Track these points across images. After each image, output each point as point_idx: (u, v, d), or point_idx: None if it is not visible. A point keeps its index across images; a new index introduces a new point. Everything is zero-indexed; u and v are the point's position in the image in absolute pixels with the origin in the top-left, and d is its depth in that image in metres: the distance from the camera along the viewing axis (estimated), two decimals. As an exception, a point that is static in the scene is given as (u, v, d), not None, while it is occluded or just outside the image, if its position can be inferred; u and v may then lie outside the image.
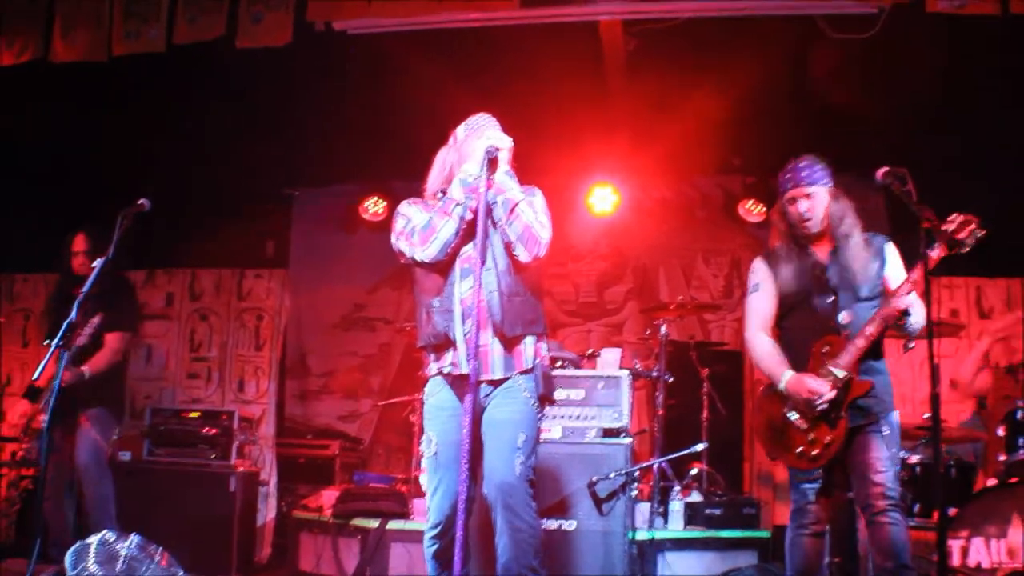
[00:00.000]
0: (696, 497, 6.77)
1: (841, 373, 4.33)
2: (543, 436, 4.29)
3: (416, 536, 5.89)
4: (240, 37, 6.45)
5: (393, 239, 4.22)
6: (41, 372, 5.03)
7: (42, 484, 5.53)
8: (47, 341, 5.86)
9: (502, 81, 7.21)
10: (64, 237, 6.46)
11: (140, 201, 4.88)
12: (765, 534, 6.49)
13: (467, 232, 4.06)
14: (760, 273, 4.68)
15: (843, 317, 4.44)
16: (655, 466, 6.71)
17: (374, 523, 6.41)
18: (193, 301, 9.27)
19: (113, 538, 4.75)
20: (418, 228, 4.10)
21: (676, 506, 6.58)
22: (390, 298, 9.47)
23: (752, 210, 8.57)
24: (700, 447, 6.84)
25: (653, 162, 8.43)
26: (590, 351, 6.82)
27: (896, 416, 4.48)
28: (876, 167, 4.11)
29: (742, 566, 6.22)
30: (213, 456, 7.31)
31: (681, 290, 9.04)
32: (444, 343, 4.09)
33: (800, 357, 4.50)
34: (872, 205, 7.14)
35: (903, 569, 4.24)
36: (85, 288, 4.74)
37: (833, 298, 4.47)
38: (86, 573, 4.56)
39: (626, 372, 6.23)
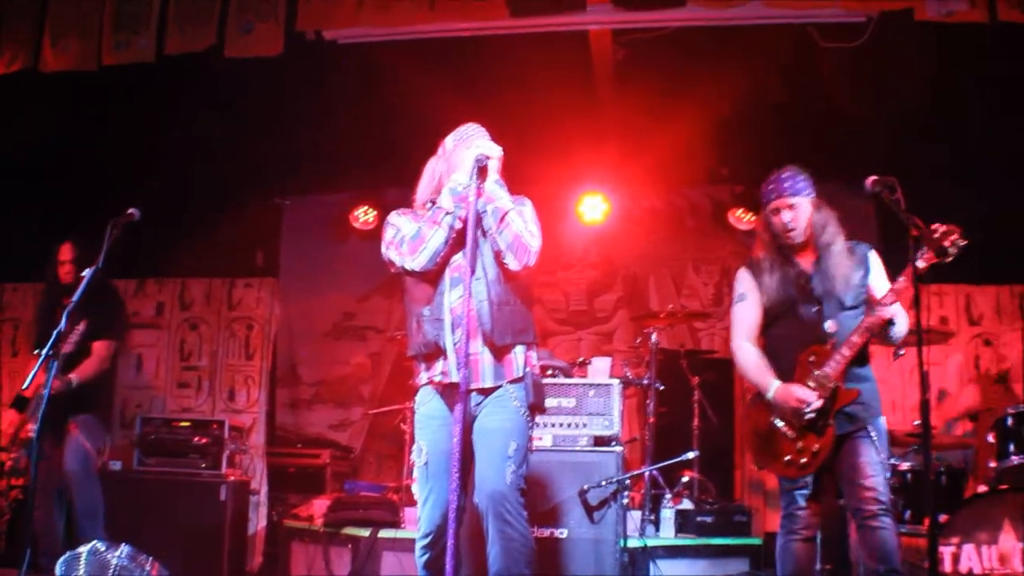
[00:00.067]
0: (687, 505, 6.78)
1: (828, 382, 4.36)
2: (534, 444, 4.28)
3: (407, 545, 5.87)
4: (229, 47, 6.45)
5: (383, 249, 4.22)
6: (30, 382, 5.01)
7: (32, 494, 5.51)
8: (36, 350, 5.85)
9: (492, 90, 7.23)
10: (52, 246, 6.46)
11: (130, 211, 4.88)
12: (756, 541, 6.51)
13: (457, 241, 4.06)
14: (745, 283, 4.70)
15: (828, 326, 4.46)
16: (646, 474, 6.73)
17: (365, 532, 6.40)
18: (183, 310, 9.24)
19: (103, 548, 4.74)
20: (407, 238, 4.10)
21: (667, 514, 6.59)
22: (381, 307, 9.46)
23: (742, 218, 8.58)
24: (691, 455, 6.86)
25: (642, 171, 8.45)
26: (581, 359, 6.83)
27: (883, 422, 4.51)
28: (865, 175, 4.12)
29: (733, 573, 6.23)
30: (204, 465, 7.29)
31: (671, 298, 9.06)
32: (434, 352, 4.09)
33: (786, 366, 4.52)
34: (862, 213, 7.19)
35: (893, 573, 4.26)
36: (75, 298, 4.74)
37: (818, 307, 4.49)
38: (76, 583, 4.56)
39: (617, 380, 6.22)
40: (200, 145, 7.73)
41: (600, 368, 6.52)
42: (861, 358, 4.48)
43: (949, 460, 6.34)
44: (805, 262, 4.59)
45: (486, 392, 4.10)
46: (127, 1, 6.66)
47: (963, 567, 5.26)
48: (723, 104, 7.01)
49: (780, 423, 4.47)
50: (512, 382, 4.10)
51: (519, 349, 4.14)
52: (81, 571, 4.59)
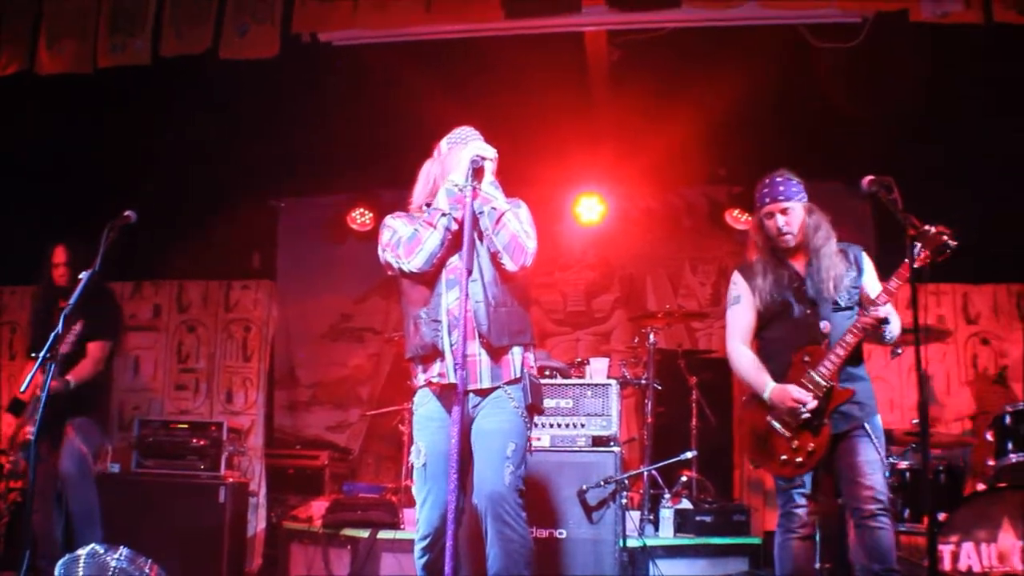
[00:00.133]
0: (686, 504, 6.78)
1: (823, 382, 4.40)
2: (532, 445, 4.29)
3: (407, 546, 5.88)
4: (225, 49, 6.45)
5: (380, 252, 4.22)
6: (28, 385, 5.01)
7: (31, 497, 5.51)
8: (33, 353, 5.85)
9: (488, 92, 7.23)
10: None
11: (126, 213, 4.88)
12: (756, 540, 6.52)
13: (453, 243, 4.06)
14: (739, 286, 4.76)
15: (822, 327, 4.51)
16: (645, 474, 6.73)
17: (364, 533, 6.40)
18: (180, 313, 9.24)
19: (102, 550, 4.73)
20: (404, 240, 4.11)
21: (666, 513, 6.59)
22: (378, 308, 9.46)
23: (739, 218, 8.57)
24: (689, 455, 6.88)
25: (639, 172, 8.46)
26: (578, 360, 6.83)
27: (879, 420, 4.55)
28: (861, 176, 4.14)
29: (733, 573, 6.24)
30: (202, 467, 7.30)
31: (668, 299, 9.07)
32: (432, 354, 4.09)
33: (780, 367, 4.57)
34: (858, 213, 7.21)
35: (890, 572, 4.30)
36: (72, 300, 4.74)
37: (812, 309, 4.55)
38: (75, 586, 4.55)
39: (614, 381, 6.23)
40: (196, 147, 7.72)
41: (598, 368, 6.52)
42: (856, 358, 4.54)
43: (949, 458, 6.34)
44: (798, 264, 4.65)
45: (484, 393, 4.10)
46: (123, 3, 6.65)
47: (962, 565, 5.28)
48: (719, 105, 7.01)
49: (776, 423, 4.50)
50: (510, 383, 4.11)
51: (516, 350, 4.14)
52: (80, 574, 4.58)
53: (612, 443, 6.02)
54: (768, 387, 4.53)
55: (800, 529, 4.51)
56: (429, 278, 4.12)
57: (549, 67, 7.10)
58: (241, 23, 6.43)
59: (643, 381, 7.08)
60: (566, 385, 6.19)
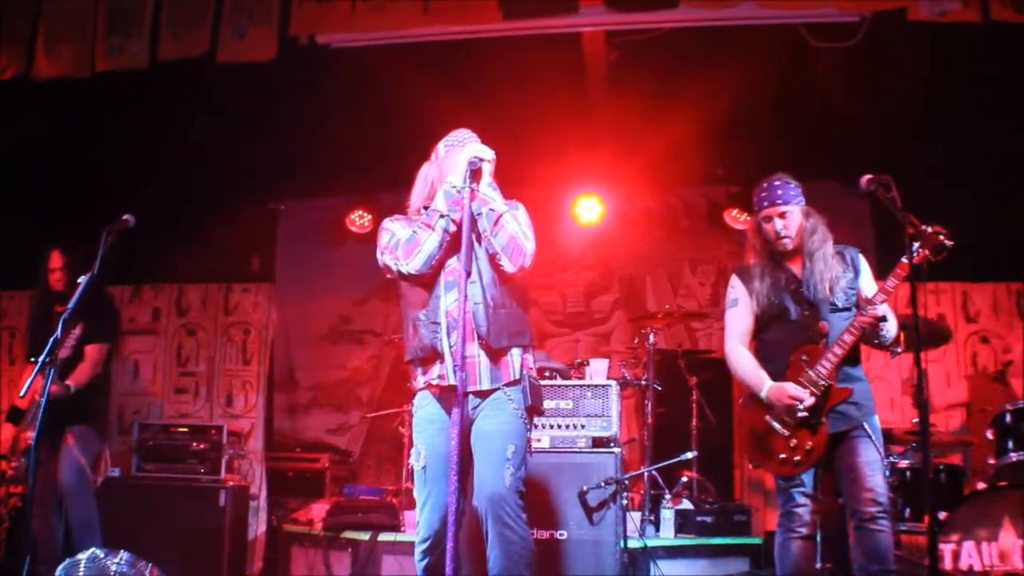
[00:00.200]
0: (687, 505, 6.78)
1: (821, 380, 4.42)
2: (532, 446, 4.29)
3: (407, 548, 5.87)
4: (222, 52, 6.45)
5: (378, 255, 4.22)
6: (27, 390, 5.01)
7: (31, 502, 5.51)
8: (32, 358, 5.84)
9: (486, 93, 7.23)
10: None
11: (125, 217, 4.88)
12: (757, 541, 6.52)
13: (451, 245, 4.06)
14: (737, 289, 4.79)
15: (820, 327, 4.53)
16: (645, 474, 6.72)
17: (365, 536, 6.40)
18: (180, 316, 9.24)
19: (103, 554, 4.72)
20: (402, 242, 4.10)
21: (667, 514, 6.59)
22: (378, 310, 9.45)
23: (738, 217, 8.56)
24: (690, 455, 6.87)
25: (637, 172, 8.46)
26: (578, 361, 6.82)
27: (877, 421, 4.58)
28: (860, 175, 4.15)
29: (734, 573, 6.23)
30: (202, 471, 7.29)
31: (668, 299, 9.06)
32: (431, 356, 4.09)
33: (779, 368, 4.59)
34: (857, 212, 7.20)
35: (887, 573, 4.33)
36: (71, 304, 4.74)
37: (809, 310, 4.58)
38: (76, 590, 4.54)
39: (614, 381, 6.22)
40: (195, 149, 7.71)
41: (598, 369, 6.52)
42: (853, 358, 4.57)
43: (946, 449, 6.34)
44: (796, 267, 4.68)
45: (483, 395, 4.10)
46: (120, 2, 6.65)
47: (963, 564, 5.28)
48: (717, 105, 7.01)
49: (774, 422, 4.52)
50: (509, 385, 4.11)
51: (516, 351, 4.14)
52: (80, 578, 4.57)
53: (612, 444, 6.02)
54: (765, 385, 4.55)
55: (801, 529, 4.52)
56: (428, 280, 4.12)
57: (547, 68, 7.10)
58: (238, 25, 6.43)
59: (643, 382, 7.08)
60: (566, 386, 6.19)
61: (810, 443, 4.44)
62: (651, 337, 7.14)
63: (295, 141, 7.92)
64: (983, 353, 8.10)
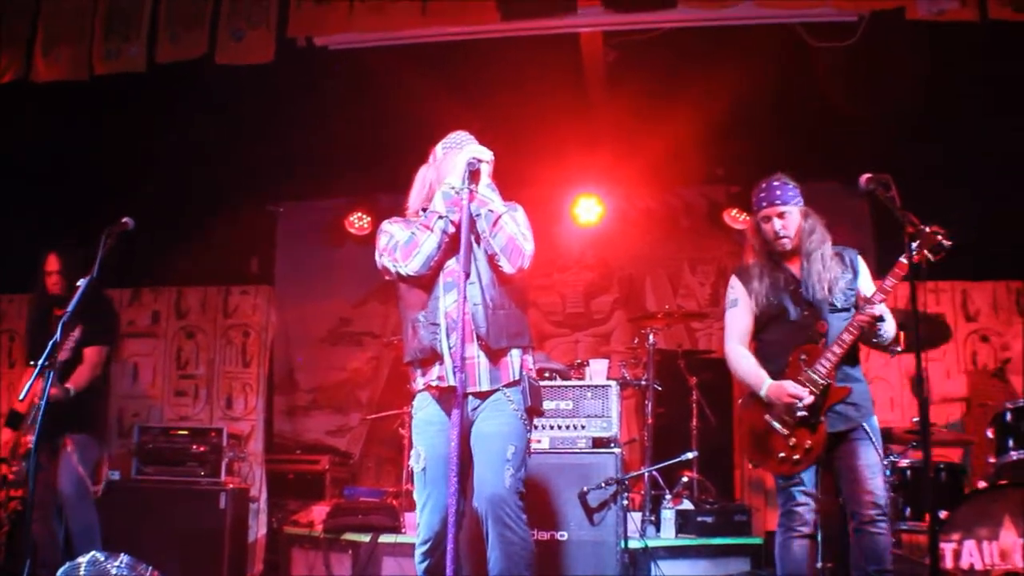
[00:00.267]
0: (687, 505, 6.78)
1: (820, 379, 4.43)
2: (532, 447, 4.28)
3: (408, 550, 5.87)
4: (220, 54, 6.44)
5: (377, 257, 4.22)
6: (26, 393, 5.00)
7: (30, 505, 5.50)
8: (32, 362, 5.83)
9: (485, 94, 7.24)
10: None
11: (124, 220, 4.87)
12: (757, 540, 6.51)
13: (450, 246, 4.06)
14: (736, 290, 4.81)
15: (819, 328, 4.55)
16: (646, 475, 6.72)
17: (365, 537, 6.39)
18: (179, 319, 9.23)
19: (103, 558, 4.72)
20: (401, 244, 4.10)
21: (668, 514, 6.59)
22: (377, 312, 9.46)
23: (738, 217, 8.57)
24: (690, 455, 6.87)
25: (636, 173, 8.46)
26: (578, 361, 6.81)
27: (876, 421, 4.59)
28: (859, 175, 4.15)
29: (735, 573, 6.23)
30: (202, 473, 7.29)
31: (668, 299, 9.07)
32: (430, 357, 4.08)
33: (778, 368, 4.60)
34: (857, 212, 7.20)
35: (884, 574, 4.35)
36: (70, 308, 4.73)
37: (808, 311, 4.59)
38: (76, 593, 4.54)
39: (614, 382, 6.22)
40: (194, 150, 7.72)
41: (598, 370, 6.51)
42: (852, 359, 4.60)
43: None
44: (795, 268, 4.69)
45: (483, 396, 4.10)
46: (119, 3, 6.64)
47: (964, 563, 5.28)
48: (716, 105, 7.01)
49: (774, 421, 4.52)
50: (509, 385, 4.10)
51: (515, 352, 4.14)
52: (80, 581, 4.57)
53: (612, 444, 6.01)
54: (765, 384, 4.57)
55: (801, 528, 4.52)
56: (426, 281, 4.11)
57: (546, 68, 7.10)
58: (236, 28, 6.42)
59: (643, 382, 7.07)
60: (566, 387, 6.18)
61: (809, 442, 4.45)
62: (651, 337, 7.14)
63: (294, 142, 7.92)
64: (983, 352, 8.09)
